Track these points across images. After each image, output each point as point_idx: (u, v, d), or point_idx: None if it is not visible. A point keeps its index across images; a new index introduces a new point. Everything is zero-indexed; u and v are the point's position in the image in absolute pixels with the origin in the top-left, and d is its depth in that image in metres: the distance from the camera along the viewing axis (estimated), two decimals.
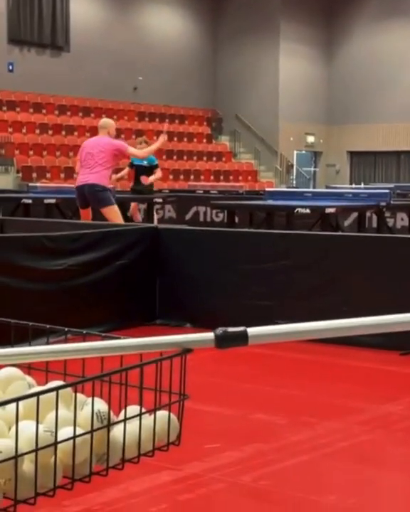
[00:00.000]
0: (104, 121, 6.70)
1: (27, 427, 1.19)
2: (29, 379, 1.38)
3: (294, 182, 21.17)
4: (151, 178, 9.10)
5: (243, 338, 1.14)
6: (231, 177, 19.57)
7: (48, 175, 16.06)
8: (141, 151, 6.90)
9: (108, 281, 4.23)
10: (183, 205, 10.91)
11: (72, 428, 1.21)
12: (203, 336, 1.16)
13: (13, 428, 1.18)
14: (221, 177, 19.32)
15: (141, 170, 9.21)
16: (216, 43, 21.46)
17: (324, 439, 2.65)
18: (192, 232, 4.79)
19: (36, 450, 1.17)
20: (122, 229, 4.69)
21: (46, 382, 1.35)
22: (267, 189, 10.56)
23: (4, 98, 17.21)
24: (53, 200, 8.53)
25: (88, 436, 1.22)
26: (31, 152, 16.57)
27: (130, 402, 1.31)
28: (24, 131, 17.06)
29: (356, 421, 2.83)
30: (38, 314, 2.79)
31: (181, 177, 18.40)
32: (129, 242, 4.40)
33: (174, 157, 19.08)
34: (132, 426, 1.29)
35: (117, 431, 1.28)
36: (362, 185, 14.90)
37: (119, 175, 9.73)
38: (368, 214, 8.19)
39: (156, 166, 9.23)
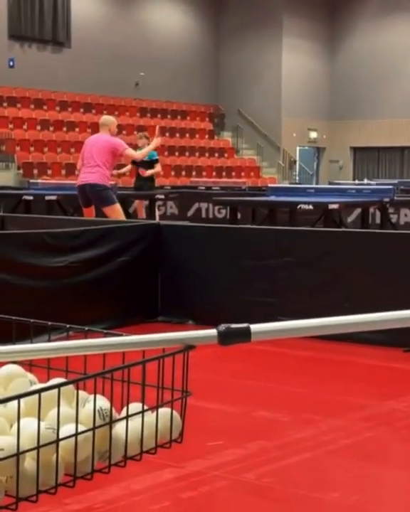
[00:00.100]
0: (105, 118, 6.69)
1: (29, 424, 1.18)
2: (31, 376, 1.37)
3: (297, 178, 21.15)
4: (149, 172, 9.08)
5: (246, 334, 1.13)
6: (234, 173, 19.55)
7: (49, 171, 16.05)
8: (137, 153, 6.89)
9: (110, 278, 4.22)
10: (185, 202, 10.90)
11: (74, 425, 1.21)
12: (206, 332, 1.15)
13: (15, 425, 1.17)
14: (223, 173, 19.30)
15: (141, 164, 9.20)
16: (218, 38, 21.41)
17: (327, 436, 2.65)
18: (194, 229, 4.78)
19: (38, 447, 1.17)
20: (124, 226, 4.68)
21: (48, 380, 1.34)
22: (269, 185, 10.54)
23: (5, 94, 17.19)
24: (54, 197, 8.52)
25: (90, 433, 1.22)
26: (32, 148, 16.55)
27: (132, 399, 1.30)
28: (25, 127, 17.04)
29: (359, 418, 2.83)
30: (39, 311, 2.78)
31: (183, 173, 18.38)
32: (130, 238, 4.39)
33: (176, 153, 19.05)
34: (134, 423, 1.28)
35: (119, 428, 1.27)
36: (365, 181, 14.88)
37: (122, 170, 9.72)
38: (371, 210, 8.17)
39: (156, 161, 9.22)
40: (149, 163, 9.12)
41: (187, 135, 19.99)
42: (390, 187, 8.11)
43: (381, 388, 3.29)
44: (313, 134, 21.94)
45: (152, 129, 18.72)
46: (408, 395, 3.16)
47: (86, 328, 1.41)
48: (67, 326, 1.45)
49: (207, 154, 19.89)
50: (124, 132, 17.21)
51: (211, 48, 21.33)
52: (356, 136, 21.74)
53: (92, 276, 4.16)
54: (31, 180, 11.67)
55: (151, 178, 9.58)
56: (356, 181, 16.43)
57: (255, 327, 1.13)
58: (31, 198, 8.59)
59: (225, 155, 20.45)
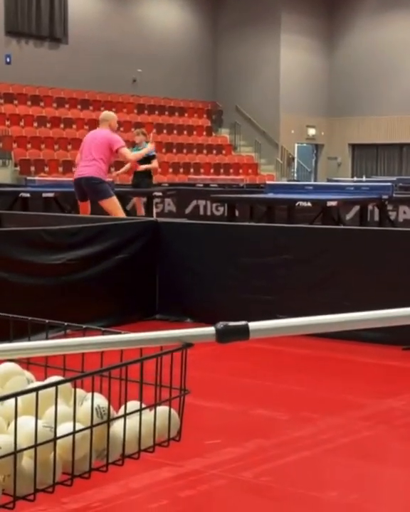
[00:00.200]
0: (106, 113, 6.69)
1: (26, 422, 1.18)
2: (28, 374, 1.37)
3: (295, 175, 21.14)
4: (143, 167, 9.05)
5: (245, 332, 1.12)
6: (231, 170, 19.54)
7: (46, 168, 16.03)
8: (131, 155, 6.89)
9: (107, 275, 4.21)
10: (183, 199, 10.89)
11: (71, 423, 1.20)
12: (204, 330, 1.15)
13: (12, 423, 1.17)
14: (221, 170, 19.29)
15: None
16: (215, 35, 21.38)
17: (326, 434, 2.64)
18: (192, 226, 4.77)
19: (35, 446, 1.16)
20: (122, 223, 4.67)
21: (45, 378, 1.34)
22: (267, 182, 10.53)
23: (2, 91, 17.15)
24: (51, 194, 8.51)
25: (88, 431, 1.21)
26: (29, 145, 16.52)
27: (130, 397, 1.29)
28: (22, 124, 17.01)
29: (357, 416, 2.82)
30: (37, 309, 2.77)
31: (181, 170, 18.36)
32: (128, 236, 4.38)
33: (174, 150, 19.03)
34: (132, 421, 1.27)
35: (117, 426, 1.27)
36: (364, 178, 14.88)
37: (121, 170, 9.71)
38: (370, 207, 8.16)
39: (154, 157, 9.20)
40: (146, 159, 9.10)
41: (185, 132, 19.97)
42: (389, 184, 8.10)
43: (379, 386, 3.28)
44: (311, 131, 21.92)
45: (150, 126, 18.67)
46: (407, 393, 3.16)
47: (84, 326, 1.40)
48: (65, 323, 1.44)
49: (205, 151, 19.87)
50: (121, 129, 17.16)
51: (208, 44, 21.29)
52: (354, 132, 21.73)
53: (90, 274, 4.15)
54: (28, 178, 11.65)
55: (149, 175, 9.56)
56: (355, 178, 16.42)
57: (253, 325, 1.13)
58: (28, 195, 8.57)
59: (223, 152, 20.44)
